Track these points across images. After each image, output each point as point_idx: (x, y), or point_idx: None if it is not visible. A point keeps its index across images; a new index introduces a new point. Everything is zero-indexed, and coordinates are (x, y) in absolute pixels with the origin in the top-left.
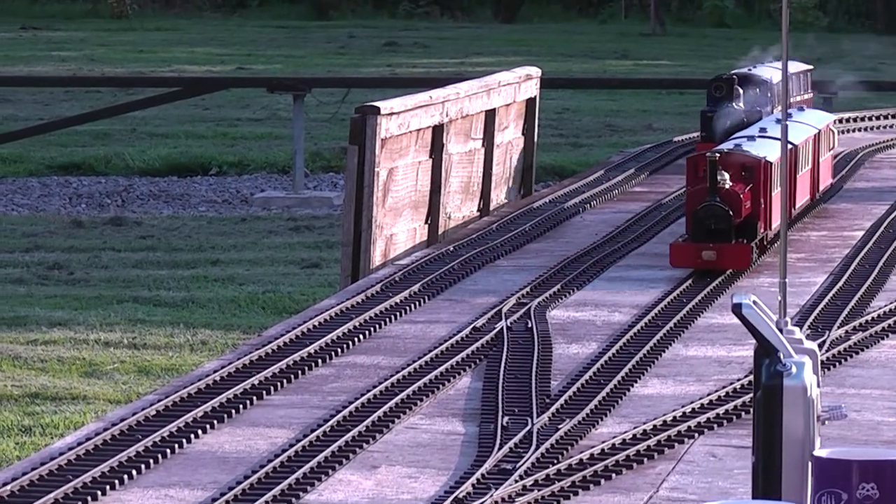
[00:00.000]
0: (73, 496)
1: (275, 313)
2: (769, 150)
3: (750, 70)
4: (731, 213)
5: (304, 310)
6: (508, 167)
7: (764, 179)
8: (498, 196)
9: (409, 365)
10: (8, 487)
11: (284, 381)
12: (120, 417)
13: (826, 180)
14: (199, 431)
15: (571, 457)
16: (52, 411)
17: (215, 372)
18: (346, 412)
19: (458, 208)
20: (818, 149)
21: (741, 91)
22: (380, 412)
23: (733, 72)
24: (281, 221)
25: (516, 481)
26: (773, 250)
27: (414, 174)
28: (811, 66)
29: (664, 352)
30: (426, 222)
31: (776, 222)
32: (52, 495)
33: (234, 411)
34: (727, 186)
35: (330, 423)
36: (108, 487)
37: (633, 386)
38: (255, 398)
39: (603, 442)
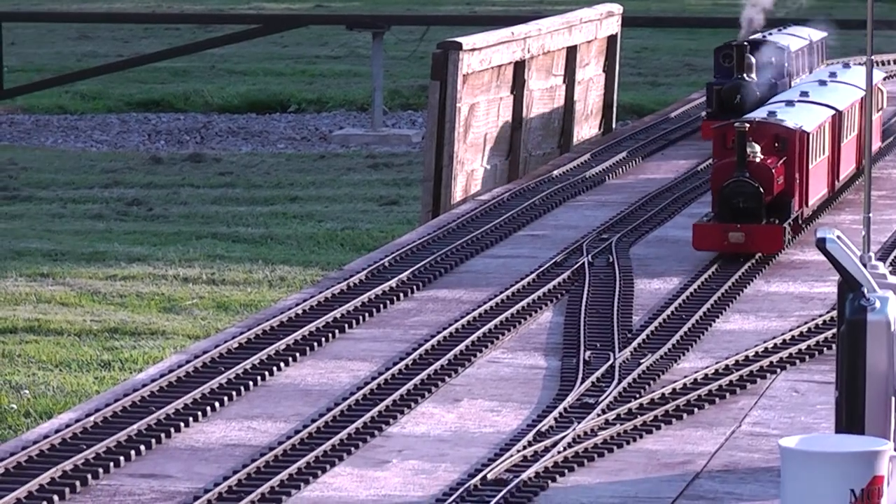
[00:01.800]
0: (156, 427)
1: (353, 250)
2: (808, 118)
3: (765, 36)
4: (761, 189)
5: (384, 245)
6: (589, 104)
7: (800, 151)
8: (579, 132)
9: (490, 299)
10: (91, 419)
11: (366, 314)
12: (202, 350)
13: (875, 144)
14: (282, 364)
15: (653, 391)
16: (131, 346)
17: (297, 305)
18: (427, 346)
19: (539, 145)
20: (864, 111)
21: (753, 60)
22: (461, 346)
23: (746, 38)
24: (360, 159)
25: (598, 415)
26: (857, 186)
27: (495, 110)
28: (825, 34)
29: (746, 287)
30: (507, 158)
31: (814, 197)
32: (134, 426)
33: (315, 344)
34: (758, 160)
35: (412, 356)
36: (191, 419)
37: (714, 321)
38: (336, 332)
39: (685, 377)
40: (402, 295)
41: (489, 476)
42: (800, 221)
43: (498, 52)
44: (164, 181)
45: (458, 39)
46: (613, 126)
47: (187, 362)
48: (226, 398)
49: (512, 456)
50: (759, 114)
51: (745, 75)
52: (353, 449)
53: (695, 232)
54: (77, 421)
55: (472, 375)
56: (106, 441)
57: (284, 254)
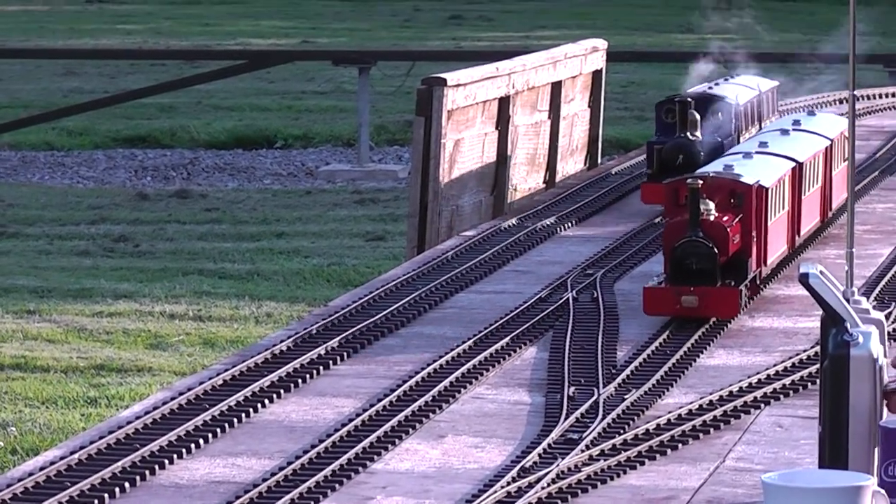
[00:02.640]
0: (140, 465)
1: (340, 286)
2: (766, 172)
3: (709, 89)
4: (715, 250)
5: (370, 281)
6: (574, 139)
7: (757, 207)
8: (564, 168)
9: (475, 335)
10: (76, 456)
11: (351, 350)
12: (187, 387)
13: (840, 195)
14: (266, 401)
15: (637, 427)
16: (117, 383)
17: (282, 342)
18: (412, 382)
19: (524, 180)
20: (830, 162)
21: (698, 116)
22: (446, 382)
23: (689, 90)
24: (346, 194)
25: (582, 451)
26: (839, 224)
27: (480, 145)
28: (776, 83)
29: (730, 323)
30: (492, 193)
31: (773, 255)
32: (119, 464)
33: (300, 381)
34: (712, 218)
35: (396, 392)
36: (175, 456)
37: (699, 357)
38: (321, 368)
39: (669, 412)
40: (386, 331)
41: None
42: (757, 282)
43: (483, 87)
44: (150, 217)
45: (443, 75)
46: (599, 161)
47: (172, 399)
48: (210, 435)
49: (496, 492)
50: (715, 167)
51: (688, 133)
52: (337, 485)
53: (645, 296)
54: (62, 458)
55: (457, 412)
56: (91, 478)
57: (271, 290)
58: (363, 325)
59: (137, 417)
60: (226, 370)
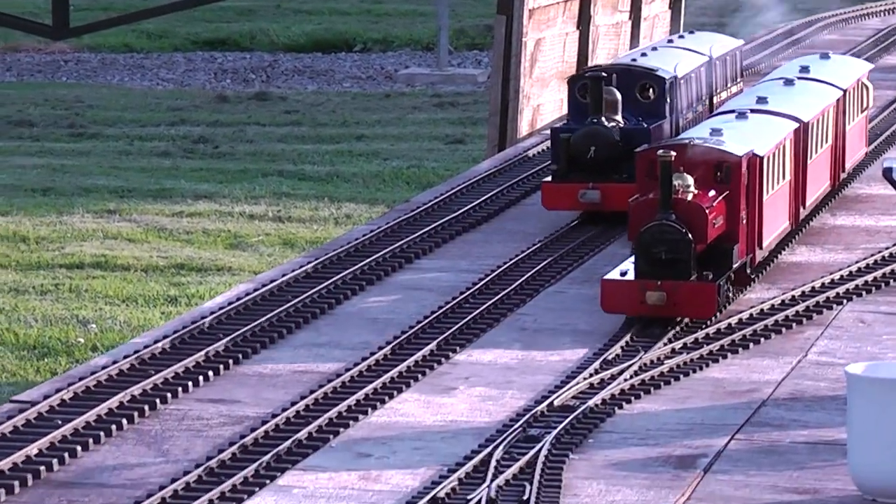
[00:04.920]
0: (224, 354)
1: (419, 188)
2: (761, 136)
3: (639, 57)
4: (689, 235)
5: (449, 179)
6: (654, 40)
7: (749, 182)
8: None
9: (556, 232)
10: (159, 345)
11: (433, 245)
12: (270, 279)
13: (856, 153)
14: (349, 293)
15: (720, 321)
16: (197, 282)
17: (364, 236)
18: (493, 276)
19: None
20: (843, 116)
21: (618, 95)
22: (528, 276)
23: (614, 61)
24: (425, 98)
25: (665, 344)
26: (858, 186)
27: (561, 45)
28: (740, 42)
29: (812, 220)
30: None
31: (770, 235)
32: (202, 353)
33: (382, 274)
34: (688, 197)
35: (478, 285)
36: (258, 346)
37: (781, 253)
38: (403, 262)
39: (752, 307)
40: (468, 226)
41: (556, 402)
42: (747, 270)
43: None
44: (230, 119)
45: None
46: None
47: (255, 291)
48: (293, 326)
49: (578, 383)
50: (700, 132)
51: (603, 118)
52: (420, 376)
53: (604, 290)
54: (146, 347)
55: (539, 305)
56: (174, 367)
57: (350, 191)
58: (444, 220)
59: (220, 308)
60: (308, 263)
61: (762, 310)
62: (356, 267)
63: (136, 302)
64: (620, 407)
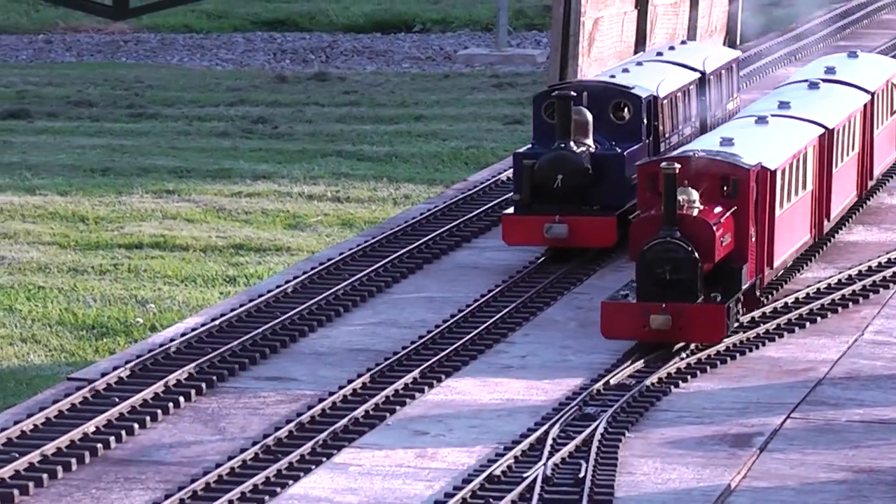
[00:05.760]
0: (281, 332)
1: (477, 168)
2: (777, 146)
3: (617, 75)
4: (695, 254)
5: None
6: (713, 20)
7: (760, 196)
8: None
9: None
10: (217, 323)
11: (491, 224)
12: (327, 258)
13: (885, 159)
14: (406, 271)
15: (777, 300)
16: (255, 262)
17: (421, 215)
18: (545, 258)
19: None
20: (871, 120)
21: (589, 117)
22: (588, 255)
23: (584, 79)
24: (484, 78)
25: None
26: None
27: (619, 24)
28: (737, 54)
29: (869, 200)
30: None
31: (784, 254)
32: (259, 330)
33: (440, 253)
34: (694, 212)
35: (535, 264)
36: (315, 324)
37: (838, 233)
38: (461, 241)
39: (808, 286)
40: None
41: (612, 381)
42: (756, 292)
43: None
44: (288, 99)
45: None
46: (737, 43)
47: (312, 269)
48: (350, 304)
49: (634, 363)
50: (709, 141)
51: (572, 142)
52: (477, 354)
53: (603, 314)
54: (203, 325)
55: (596, 285)
56: (231, 344)
57: (409, 172)
58: (502, 199)
59: (277, 287)
60: (366, 242)
61: (818, 289)
62: (413, 246)
63: (195, 282)
64: (676, 385)
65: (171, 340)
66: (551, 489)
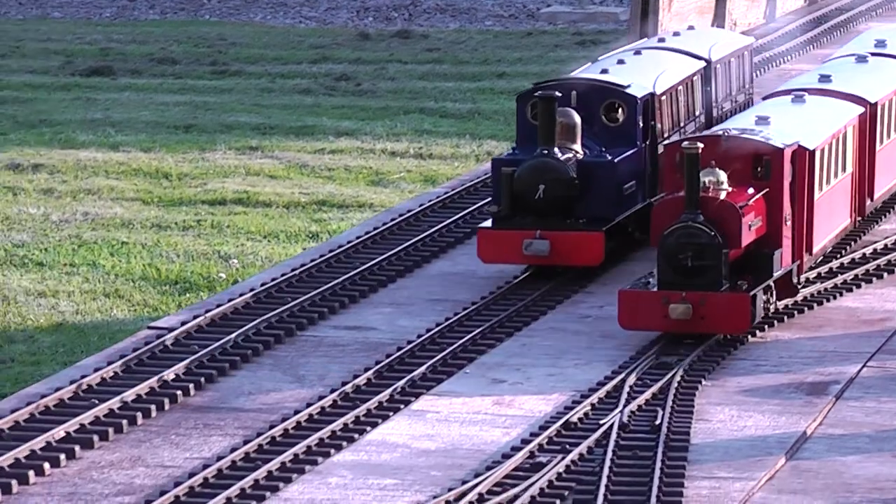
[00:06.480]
0: (360, 282)
1: None
2: (816, 123)
3: (610, 69)
4: (719, 239)
5: None
6: None
7: (796, 177)
8: (783, 3)
9: None
10: (296, 273)
11: None
12: (407, 209)
13: None
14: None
15: (854, 251)
16: (338, 218)
17: None
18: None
19: (745, 14)
20: None
21: (577, 119)
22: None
23: (574, 73)
24: (567, 36)
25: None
26: None
27: None
28: (750, 41)
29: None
30: (713, 26)
31: (825, 238)
32: (339, 280)
33: None
34: (721, 195)
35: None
36: (394, 274)
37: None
38: None
39: (886, 237)
40: None
41: None
42: (795, 280)
43: None
44: (371, 57)
45: None
46: None
47: (392, 220)
48: (429, 255)
49: None
50: (744, 120)
51: (556, 148)
52: (555, 305)
53: (620, 303)
54: (283, 276)
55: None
56: (310, 294)
57: (491, 129)
58: None
59: (358, 238)
60: (445, 194)
61: None
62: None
63: (278, 238)
64: (753, 335)
65: (251, 290)
66: (627, 436)
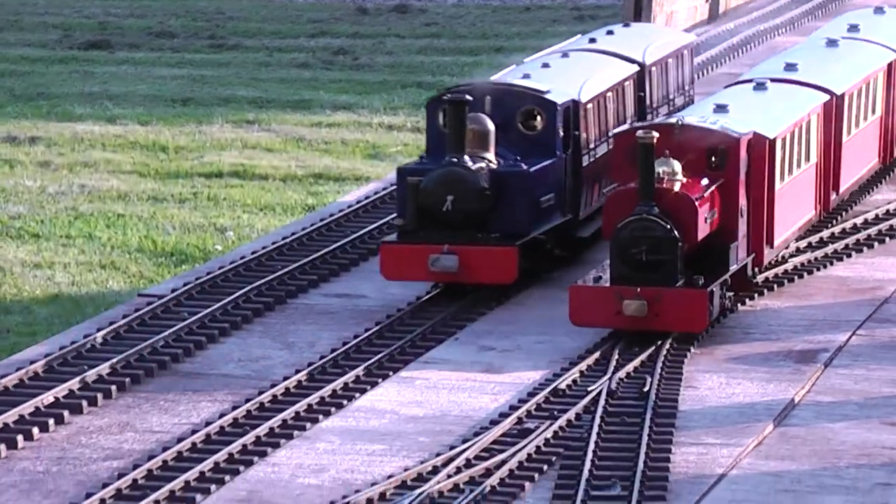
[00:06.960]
0: (351, 251)
1: None
2: (777, 112)
3: (532, 73)
4: (675, 232)
5: None
6: None
7: (753, 168)
8: None
9: None
10: (287, 241)
11: None
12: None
13: None
14: None
15: (845, 221)
16: (335, 191)
17: None
18: None
19: None
20: (894, 84)
21: (490, 126)
22: None
23: (496, 76)
24: (565, 11)
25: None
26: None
27: None
28: (691, 38)
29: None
30: (706, 2)
31: (787, 231)
32: (330, 248)
33: None
34: (675, 187)
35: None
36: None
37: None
38: None
39: (877, 208)
40: None
41: None
42: (751, 274)
43: None
44: (369, 31)
45: None
46: None
47: (383, 189)
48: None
49: None
50: (702, 109)
51: (467, 157)
52: (543, 273)
53: (571, 299)
54: (273, 244)
55: None
56: (300, 262)
57: None
58: None
59: (349, 206)
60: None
61: (887, 210)
62: None
63: (274, 210)
64: (743, 303)
65: (242, 258)
66: (615, 402)
